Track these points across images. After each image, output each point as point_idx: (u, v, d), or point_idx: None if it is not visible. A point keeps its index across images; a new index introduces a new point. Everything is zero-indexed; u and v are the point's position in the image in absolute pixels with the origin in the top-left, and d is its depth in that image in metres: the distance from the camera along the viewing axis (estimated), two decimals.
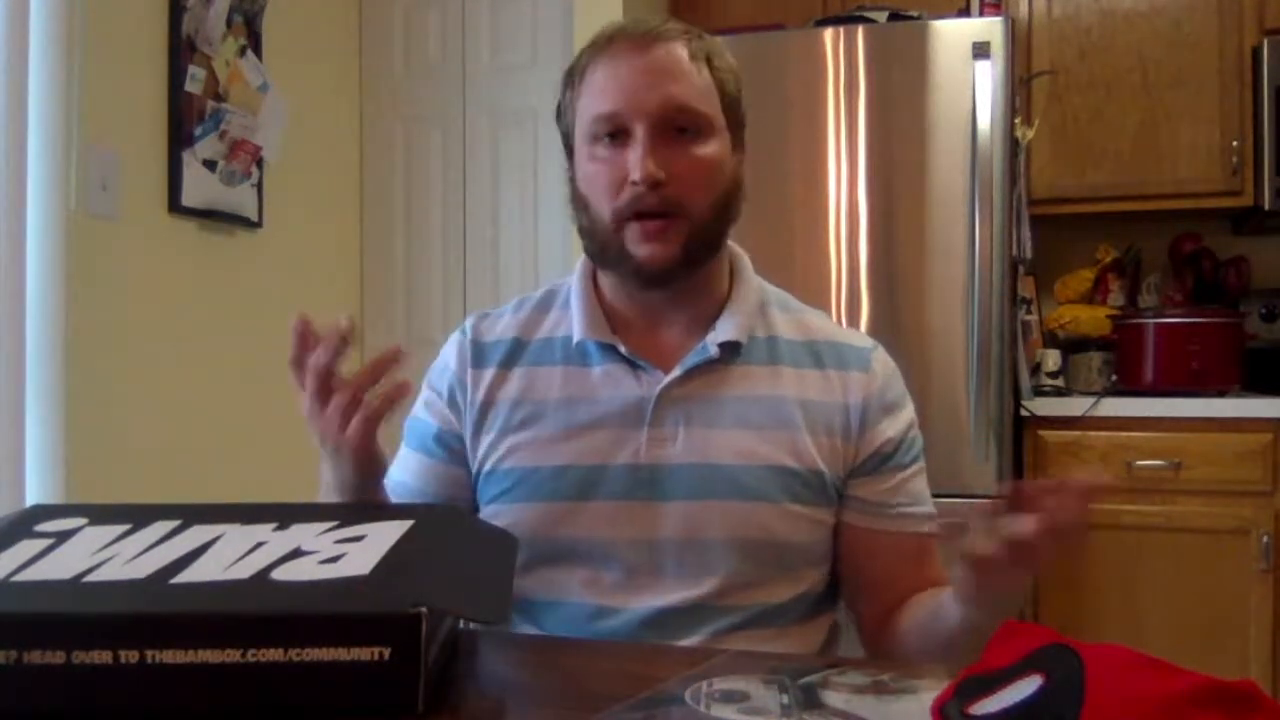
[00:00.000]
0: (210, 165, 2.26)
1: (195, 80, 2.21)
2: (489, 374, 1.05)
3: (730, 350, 1.02)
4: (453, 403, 1.06)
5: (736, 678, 0.68)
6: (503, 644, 0.84)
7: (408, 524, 0.73)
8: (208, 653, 0.59)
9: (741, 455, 0.98)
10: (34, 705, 0.59)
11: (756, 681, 0.67)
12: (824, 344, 1.05)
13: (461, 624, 0.80)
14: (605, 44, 1.00)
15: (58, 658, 0.59)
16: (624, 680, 0.75)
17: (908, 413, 1.07)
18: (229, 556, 0.67)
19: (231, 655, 0.59)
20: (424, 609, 0.60)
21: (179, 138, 2.18)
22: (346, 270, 2.88)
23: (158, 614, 0.61)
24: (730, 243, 1.09)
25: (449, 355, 1.09)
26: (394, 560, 0.67)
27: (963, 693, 0.57)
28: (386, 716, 0.60)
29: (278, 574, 0.65)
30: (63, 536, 0.71)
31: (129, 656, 0.59)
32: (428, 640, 0.61)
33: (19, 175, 1.83)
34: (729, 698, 0.64)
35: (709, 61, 1.00)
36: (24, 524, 0.74)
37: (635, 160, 0.95)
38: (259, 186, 2.43)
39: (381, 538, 0.70)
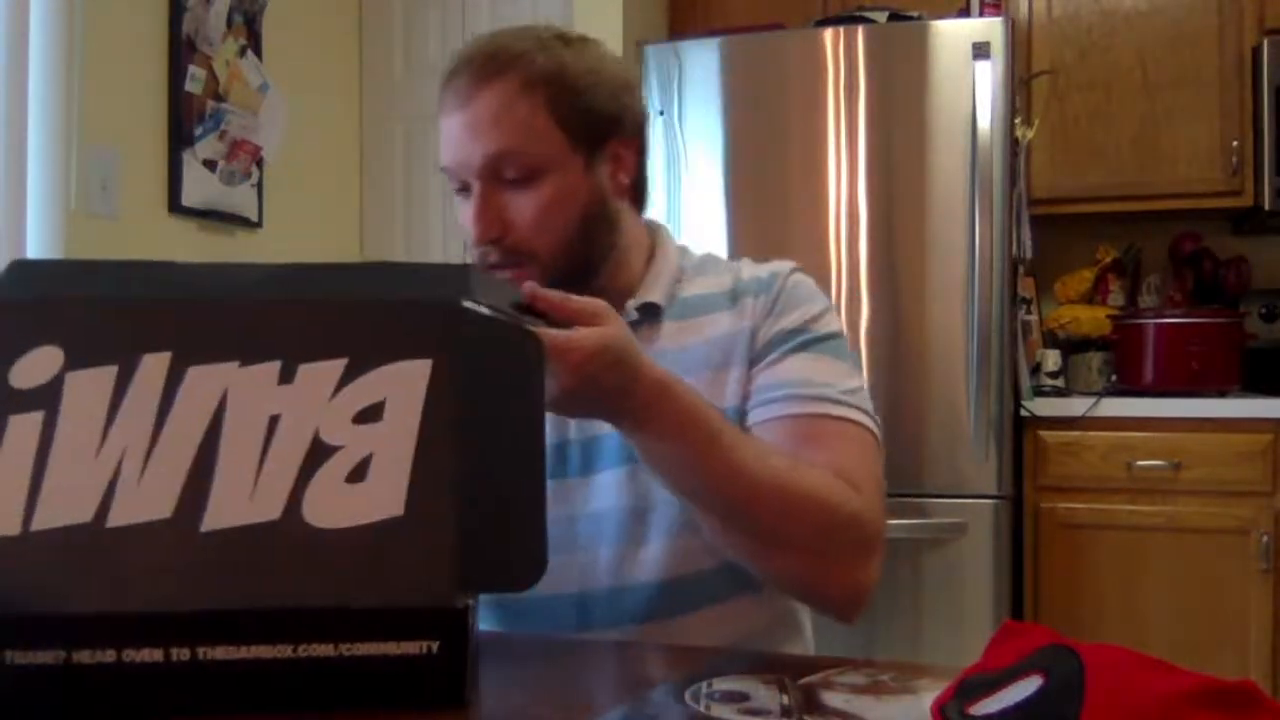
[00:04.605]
0: (210, 165, 2.27)
1: (195, 80, 2.22)
2: None
3: (650, 313, 1.01)
4: None
5: (736, 678, 0.68)
6: (502, 643, 0.84)
7: (426, 369, 0.64)
8: (260, 648, 0.59)
9: None
10: (84, 705, 0.59)
11: (756, 681, 0.67)
12: (743, 283, 1.03)
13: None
14: (444, 86, 0.96)
15: (108, 657, 0.59)
16: (624, 680, 0.75)
17: (801, 311, 1.00)
18: (248, 460, 0.62)
19: (283, 651, 0.59)
20: (470, 601, 0.60)
21: (179, 138, 2.18)
22: None
23: (209, 612, 0.60)
24: (650, 220, 1.07)
25: None
26: (423, 482, 0.62)
27: (963, 693, 0.57)
28: (432, 708, 0.60)
29: (308, 509, 0.61)
30: (50, 401, 0.63)
31: (180, 654, 0.59)
32: (472, 631, 0.61)
33: (19, 175, 1.83)
34: (729, 698, 0.64)
35: (547, 86, 0.93)
36: None
37: (468, 222, 0.95)
38: (259, 186, 2.43)
39: (403, 405, 0.63)
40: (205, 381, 0.62)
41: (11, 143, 1.81)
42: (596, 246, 0.98)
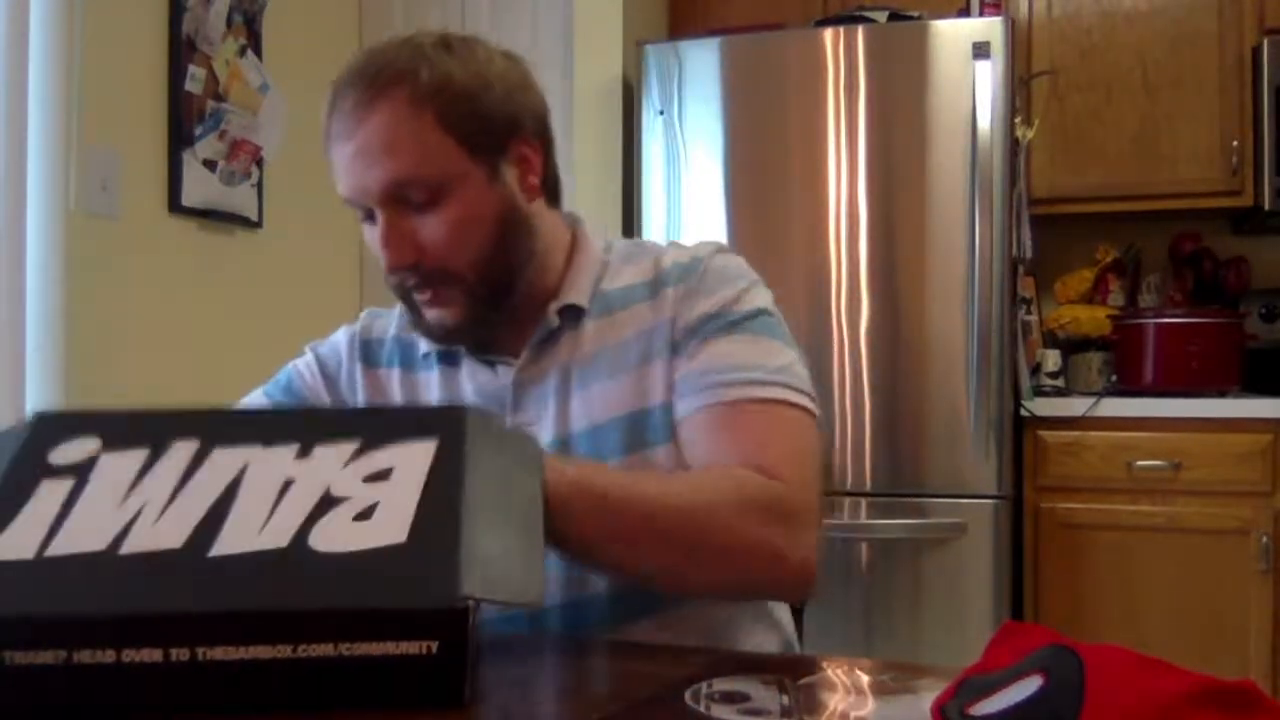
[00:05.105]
0: (210, 165, 2.26)
1: (195, 80, 2.21)
2: (377, 374, 1.04)
3: (573, 316, 0.98)
4: (332, 383, 1.05)
5: (736, 678, 0.68)
6: (502, 643, 0.84)
7: (432, 446, 0.70)
8: (259, 649, 0.59)
9: (593, 415, 0.94)
10: (84, 705, 0.59)
11: (756, 681, 0.67)
12: (665, 271, 0.99)
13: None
14: (330, 112, 0.92)
15: (108, 657, 0.59)
16: (624, 680, 0.75)
17: (721, 294, 0.96)
18: (260, 508, 0.65)
19: (283, 651, 0.60)
20: (471, 601, 0.61)
21: (179, 138, 2.18)
22: (346, 270, 2.88)
23: (208, 612, 0.60)
24: (568, 213, 1.05)
25: (340, 342, 1.07)
26: (428, 516, 0.65)
27: (963, 693, 0.57)
28: (432, 708, 0.61)
29: (315, 539, 0.63)
30: (81, 472, 0.68)
31: (180, 654, 0.59)
32: (472, 631, 0.61)
33: (19, 175, 1.83)
34: (729, 698, 0.64)
35: (435, 99, 0.89)
36: (36, 453, 0.70)
37: (379, 250, 0.92)
38: (259, 186, 2.43)
39: (410, 470, 0.68)
40: (229, 458, 0.69)
41: (11, 143, 1.81)
42: (516, 255, 0.95)
